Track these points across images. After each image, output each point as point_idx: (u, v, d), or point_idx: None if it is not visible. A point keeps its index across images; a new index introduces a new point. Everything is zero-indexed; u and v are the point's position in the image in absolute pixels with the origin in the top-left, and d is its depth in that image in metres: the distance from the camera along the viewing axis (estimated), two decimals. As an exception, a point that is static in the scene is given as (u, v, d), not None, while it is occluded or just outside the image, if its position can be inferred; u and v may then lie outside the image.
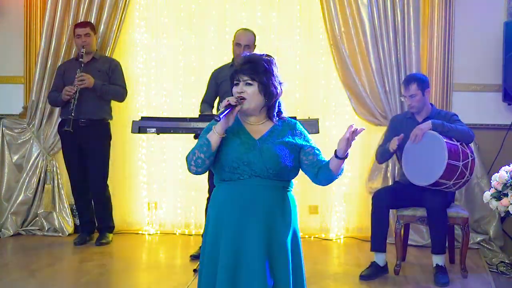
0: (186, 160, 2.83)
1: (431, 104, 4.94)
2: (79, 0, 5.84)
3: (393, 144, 4.74)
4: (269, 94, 2.81)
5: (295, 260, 2.86)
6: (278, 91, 2.84)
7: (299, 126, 2.93)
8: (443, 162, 4.46)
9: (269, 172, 2.78)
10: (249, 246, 2.76)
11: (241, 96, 2.79)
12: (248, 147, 2.80)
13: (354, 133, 2.69)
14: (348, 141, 2.69)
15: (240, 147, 2.80)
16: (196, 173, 2.83)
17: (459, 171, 4.52)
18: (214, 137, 2.76)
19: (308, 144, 2.88)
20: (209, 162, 2.80)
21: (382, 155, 4.99)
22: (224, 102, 2.76)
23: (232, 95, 2.82)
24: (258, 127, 2.86)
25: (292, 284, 2.82)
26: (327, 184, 2.87)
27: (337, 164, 2.76)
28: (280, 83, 2.86)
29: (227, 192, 2.84)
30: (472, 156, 4.61)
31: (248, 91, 2.79)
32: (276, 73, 2.85)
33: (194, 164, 2.81)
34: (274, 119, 2.88)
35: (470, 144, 4.70)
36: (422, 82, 4.79)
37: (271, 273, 2.77)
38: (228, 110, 2.73)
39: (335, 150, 2.74)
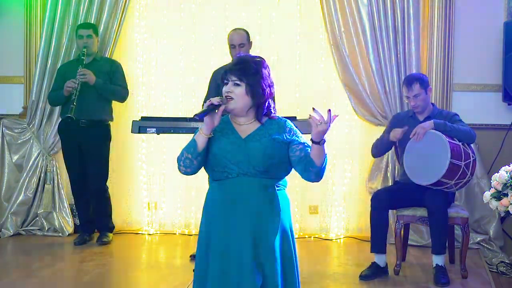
0: (177, 161, 2.87)
1: (432, 103, 4.95)
2: (79, 0, 5.84)
3: (397, 133, 4.71)
4: (257, 95, 2.83)
5: (286, 259, 2.85)
6: (266, 93, 2.86)
7: (289, 124, 2.94)
8: (446, 162, 4.46)
9: (256, 170, 2.79)
10: (236, 245, 2.78)
11: (228, 96, 2.81)
12: (235, 146, 2.82)
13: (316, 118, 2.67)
14: (316, 124, 2.66)
15: (227, 146, 2.82)
16: (186, 173, 2.86)
17: (461, 171, 4.52)
18: (200, 137, 2.79)
19: (296, 140, 2.87)
20: (197, 162, 2.82)
21: (377, 146, 4.98)
22: (207, 102, 2.78)
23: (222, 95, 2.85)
24: (247, 127, 2.88)
25: (283, 283, 2.82)
26: (316, 178, 2.80)
27: (316, 151, 2.72)
28: (269, 86, 2.87)
29: (217, 191, 2.87)
30: (473, 156, 4.61)
31: (236, 92, 2.81)
32: (265, 75, 2.86)
33: (183, 165, 2.84)
34: (262, 119, 2.88)
35: (471, 144, 4.70)
36: (423, 81, 4.80)
37: (259, 271, 2.77)
38: (208, 110, 2.75)
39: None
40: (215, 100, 2.79)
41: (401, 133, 4.72)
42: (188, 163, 2.82)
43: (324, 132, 2.68)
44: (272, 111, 2.93)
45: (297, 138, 2.88)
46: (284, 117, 3.03)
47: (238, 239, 2.78)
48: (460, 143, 4.59)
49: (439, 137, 4.54)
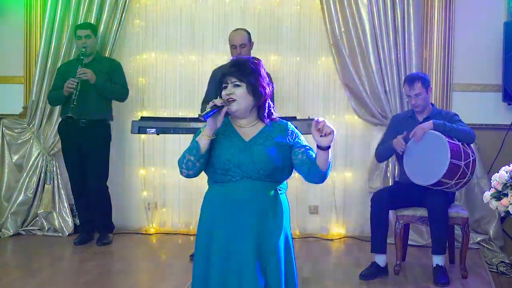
0: (178, 164, 2.84)
1: (432, 103, 4.95)
2: (79, 0, 5.84)
3: (401, 145, 4.70)
4: (258, 94, 2.82)
5: (286, 263, 2.85)
6: (267, 92, 2.85)
7: (290, 126, 2.93)
8: (446, 162, 4.46)
9: (260, 173, 2.78)
10: (240, 247, 2.77)
11: (231, 98, 2.79)
12: (239, 149, 2.80)
13: (319, 127, 2.63)
14: (318, 135, 2.64)
15: (231, 149, 2.80)
16: (188, 176, 2.83)
17: (461, 171, 4.52)
18: (203, 139, 2.77)
19: (298, 143, 2.86)
20: (199, 164, 2.80)
21: (382, 153, 4.98)
22: (210, 104, 2.77)
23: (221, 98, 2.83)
24: (249, 129, 2.87)
25: (285, 286, 2.82)
26: (320, 181, 2.80)
27: (322, 157, 2.70)
28: (268, 84, 2.87)
29: (219, 193, 2.85)
30: (473, 156, 4.61)
31: (237, 93, 2.80)
32: (263, 74, 2.86)
33: (185, 167, 2.81)
34: (265, 120, 2.88)
35: (471, 144, 4.70)
36: (425, 81, 4.81)
37: (262, 274, 2.77)
38: (213, 112, 2.73)
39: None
40: (218, 101, 2.78)
41: (403, 141, 4.69)
42: (191, 165, 2.80)
43: (329, 138, 2.65)
44: (273, 111, 2.92)
45: (299, 141, 2.87)
46: (285, 117, 3.03)
47: (242, 242, 2.77)
48: (459, 143, 4.58)
49: (439, 137, 4.54)
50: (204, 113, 2.73)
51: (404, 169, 4.75)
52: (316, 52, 5.91)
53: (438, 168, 4.50)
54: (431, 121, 4.65)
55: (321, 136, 2.63)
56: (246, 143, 2.82)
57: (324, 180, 2.81)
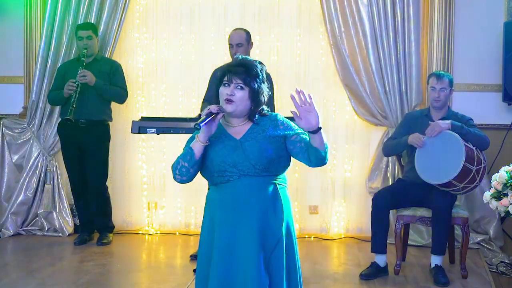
0: (172, 169, 2.85)
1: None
2: (79, 0, 5.84)
3: (419, 140, 4.69)
4: (257, 101, 2.83)
5: (289, 256, 2.84)
6: (265, 100, 2.86)
7: (280, 117, 2.93)
8: (459, 163, 4.45)
9: (256, 168, 2.79)
10: (243, 246, 2.77)
11: (229, 99, 2.79)
12: (231, 149, 2.81)
13: (301, 105, 2.67)
14: (301, 117, 2.67)
15: (223, 150, 2.81)
16: (181, 181, 2.84)
17: (471, 175, 4.51)
18: (197, 145, 2.78)
19: (292, 132, 2.86)
20: (193, 170, 2.82)
21: (392, 148, 4.94)
22: (205, 111, 2.77)
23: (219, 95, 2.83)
24: (240, 128, 2.87)
25: (287, 281, 2.82)
26: (322, 163, 2.80)
27: (317, 139, 2.72)
28: (267, 91, 2.87)
29: (219, 194, 2.85)
30: (484, 163, 4.60)
31: (238, 95, 2.79)
32: (265, 81, 2.86)
33: (179, 173, 2.83)
34: (255, 119, 2.87)
35: (483, 151, 4.69)
36: (451, 81, 4.86)
37: (266, 270, 2.76)
38: (208, 119, 2.73)
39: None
40: (213, 108, 2.78)
41: (422, 137, 4.70)
42: (185, 171, 2.81)
43: (314, 116, 2.67)
44: (265, 107, 2.91)
45: (291, 131, 2.87)
46: (285, 117, 3.02)
47: (245, 240, 2.77)
48: (474, 148, 4.58)
49: (456, 138, 4.54)
50: (199, 121, 2.73)
51: (415, 165, 4.71)
52: (316, 52, 5.92)
53: (451, 168, 4.49)
54: (450, 121, 4.65)
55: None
56: (238, 141, 2.83)
57: (326, 161, 2.81)
